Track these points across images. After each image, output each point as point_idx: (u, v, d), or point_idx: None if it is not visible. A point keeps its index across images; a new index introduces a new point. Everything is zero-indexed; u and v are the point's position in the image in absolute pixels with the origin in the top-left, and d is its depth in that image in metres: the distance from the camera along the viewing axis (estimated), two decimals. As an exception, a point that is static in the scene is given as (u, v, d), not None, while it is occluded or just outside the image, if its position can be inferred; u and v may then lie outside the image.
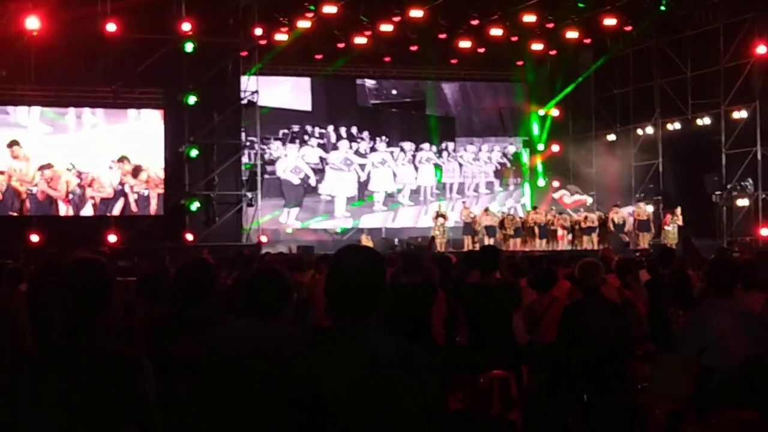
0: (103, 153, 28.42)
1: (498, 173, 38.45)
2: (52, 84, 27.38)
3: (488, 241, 31.34)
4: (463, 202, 35.16)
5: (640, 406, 8.02)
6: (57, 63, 26.42)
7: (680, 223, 31.32)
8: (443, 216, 33.07)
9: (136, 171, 28.60)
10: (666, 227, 31.71)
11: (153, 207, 28.61)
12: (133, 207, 28.47)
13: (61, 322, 4.21)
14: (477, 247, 30.39)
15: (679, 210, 31.55)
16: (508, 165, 38.73)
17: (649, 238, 31.73)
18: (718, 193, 31.34)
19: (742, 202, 31.12)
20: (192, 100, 28.13)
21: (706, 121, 32.22)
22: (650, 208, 32.75)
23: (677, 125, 33.59)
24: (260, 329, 4.96)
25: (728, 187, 31.10)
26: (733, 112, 30.96)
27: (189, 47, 27.84)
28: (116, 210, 28.37)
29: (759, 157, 30.04)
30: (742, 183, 31.05)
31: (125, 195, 28.45)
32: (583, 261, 9.26)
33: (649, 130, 34.85)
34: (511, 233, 32.40)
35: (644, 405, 7.93)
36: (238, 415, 4.83)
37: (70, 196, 28.04)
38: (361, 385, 3.80)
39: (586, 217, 33.01)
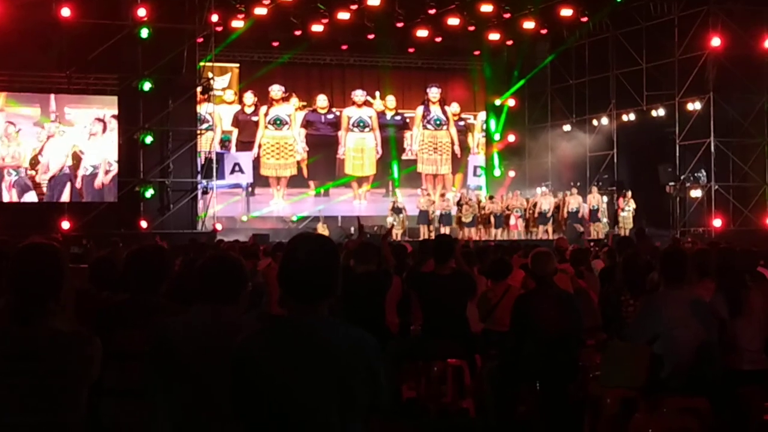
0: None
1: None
2: (6, 69, 27.08)
3: (444, 230, 31.45)
4: (423, 189, 35.22)
5: (592, 394, 8.08)
6: (10, 48, 26.10)
7: (633, 205, 31.63)
8: (402, 209, 33.19)
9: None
10: (622, 213, 31.96)
11: (98, 183, 28.26)
12: (78, 183, 28.08)
13: (13, 307, 4.19)
14: (432, 236, 30.50)
15: (629, 194, 31.88)
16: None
17: (601, 227, 32.00)
18: (671, 183, 31.58)
19: (696, 193, 31.40)
20: (147, 86, 27.89)
21: (661, 112, 32.45)
22: (605, 199, 32.99)
23: (632, 116, 33.81)
24: (215, 316, 4.93)
25: (682, 178, 31.35)
26: (687, 103, 31.20)
27: (144, 33, 27.58)
28: (65, 194, 28.00)
29: (712, 148, 30.30)
30: (696, 174, 31.33)
31: (72, 179, 28.10)
32: (535, 251, 9.30)
33: (605, 120, 35.03)
34: (468, 220, 32.45)
35: (596, 393, 7.99)
36: (190, 403, 4.80)
37: (15, 177, 27.66)
38: (312, 372, 3.81)
39: (543, 195, 33.29)
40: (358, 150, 36.96)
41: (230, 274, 5.08)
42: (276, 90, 35.63)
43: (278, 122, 35.82)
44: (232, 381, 3.91)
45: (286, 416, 3.80)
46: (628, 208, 31.75)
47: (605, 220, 32.79)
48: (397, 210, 33.22)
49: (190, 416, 4.79)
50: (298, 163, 36.13)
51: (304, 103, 36.44)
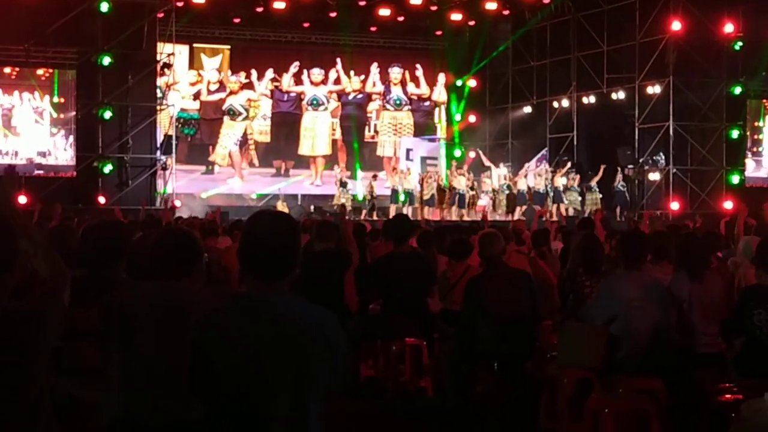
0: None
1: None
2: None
3: (406, 210, 31.34)
4: (394, 169, 35.09)
5: (549, 375, 8.11)
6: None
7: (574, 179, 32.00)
8: (345, 184, 33.02)
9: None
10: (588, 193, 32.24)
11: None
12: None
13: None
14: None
15: (594, 183, 32.05)
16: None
17: (563, 208, 32.15)
18: (630, 166, 31.78)
19: (654, 176, 31.60)
20: (106, 60, 27.63)
21: (621, 95, 32.55)
22: (563, 180, 33.09)
23: (592, 99, 33.92)
24: (170, 290, 4.90)
25: (640, 161, 31.54)
26: (647, 87, 31.36)
27: (104, 7, 27.23)
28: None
29: (671, 132, 30.50)
30: (654, 157, 31.51)
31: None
32: (481, 232, 9.33)
33: (565, 103, 35.10)
34: (427, 196, 32.30)
35: (553, 374, 8.03)
36: (145, 378, 4.77)
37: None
38: (271, 349, 3.79)
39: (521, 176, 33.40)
40: (312, 129, 36.71)
41: (183, 247, 5.05)
42: (233, 80, 35.45)
43: (232, 113, 35.54)
44: (191, 360, 3.88)
45: (245, 394, 3.79)
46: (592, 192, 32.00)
47: (567, 200, 32.98)
48: (343, 184, 33.02)
49: (145, 391, 4.76)
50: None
51: (277, 83, 36.18)
